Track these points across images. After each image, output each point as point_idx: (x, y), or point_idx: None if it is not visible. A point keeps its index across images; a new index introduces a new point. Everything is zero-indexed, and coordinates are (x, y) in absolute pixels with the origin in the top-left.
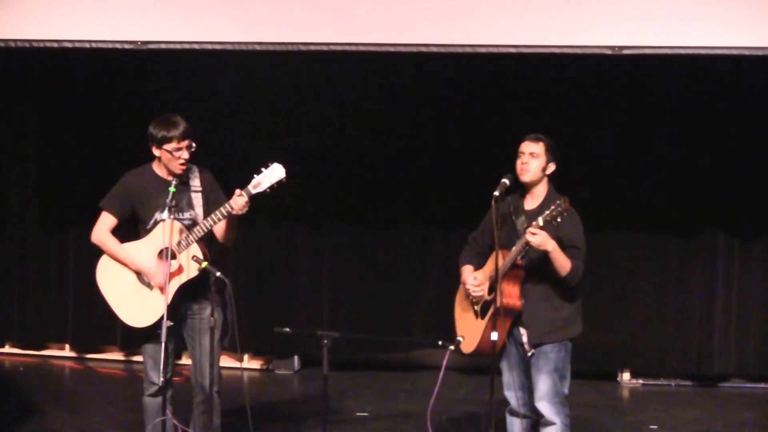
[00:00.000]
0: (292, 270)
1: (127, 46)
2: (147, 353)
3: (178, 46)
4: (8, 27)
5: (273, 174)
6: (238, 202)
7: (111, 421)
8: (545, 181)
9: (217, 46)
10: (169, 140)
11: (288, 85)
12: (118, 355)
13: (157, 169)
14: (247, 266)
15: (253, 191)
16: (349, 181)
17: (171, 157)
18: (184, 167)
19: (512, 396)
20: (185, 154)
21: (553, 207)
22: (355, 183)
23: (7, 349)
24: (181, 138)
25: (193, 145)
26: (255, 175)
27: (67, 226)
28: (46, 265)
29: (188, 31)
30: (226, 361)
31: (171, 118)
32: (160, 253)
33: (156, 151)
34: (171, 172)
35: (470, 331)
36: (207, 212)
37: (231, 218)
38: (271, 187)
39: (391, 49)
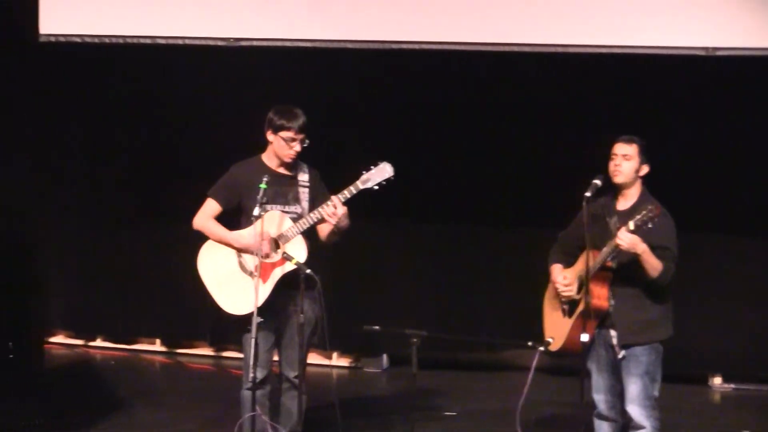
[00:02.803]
0: (382, 268)
1: (220, 43)
2: (247, 347)
3: (269, 44)
4: (97, 24)
5: (382, 172)
6: (328, 210)
7: (198, 416)
8: (638, 182)
9: (307, 44)
10: (287, 129)
11: (374, 82)
12: (207, 351)
13: (267, 160)
14: (338, 264)
15: (362, 186)
16: (441, 180)
17: (284, 145)
18: (293, 158)
19: (601, 399)
20: (298, 147)
21: (644, 212)
22: (446, 181)
23: (98, 342)
24: (299, 131)
25: (307, 141)
26: (363, 172)
27: (159, 221)
28: (138, 260)
29: (275, 28)
30: (315, 359)
31: (293, 109)
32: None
33: (270, 137)
34: (280, 162)
35: (557, 329)
36: (312, 208)
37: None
38: (379, 185)
39: (479, 47)
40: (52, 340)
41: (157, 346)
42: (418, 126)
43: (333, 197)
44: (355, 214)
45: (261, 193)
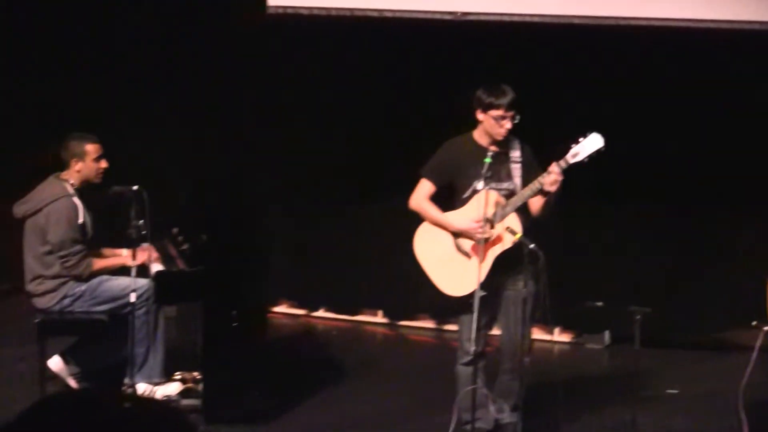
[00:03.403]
0: (604, 244)
1: (446, 17)
2: (462, 322)
3: (497, 18)
4: None
5: (591, 143)
6: (548, 178)
7: (419, 388)
8: None
9: (536, 19)
10: (496, 107)
11: (607, 62)
12: (429, 324)
13: (478, 137)
14: (561, 239)
15: (572, 161)
16: (661, 157)
17: (494, 123)
18: (505, 134)
19: None
20: (508, 124)
21: None
22: (666, 159)
23: (321, 313)
24: (508, 108)
25: (517, 117)
26: (573, 145)
27: (380, 196)
28: (363, 233)
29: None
30: (536, 334)
31: (501, 86)
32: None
33: (480, 116)
34: (492, 141)
35: None
36: (525, 184)
37: (545, 194)
38: (590, 157)
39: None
40: (276, 309)
41: (379, 317)
42: (628, 101)
43: (553, 165)
44: (576, 190)
45: (486, 167)
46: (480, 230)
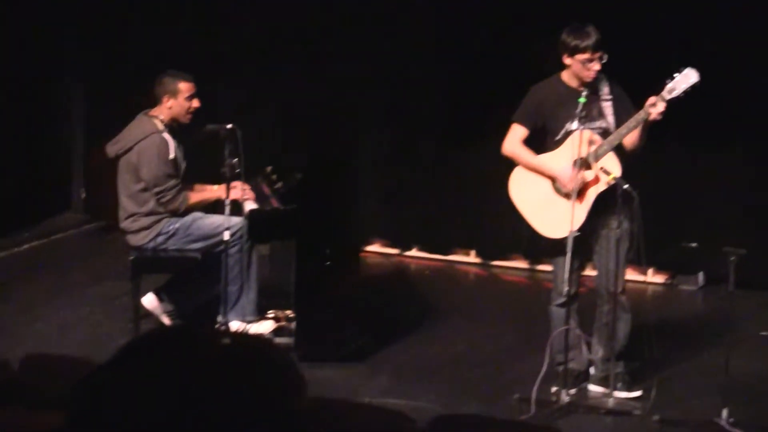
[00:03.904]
0: (696, 184)
1: None
2: (557, 264)
3: None
4: None
5: (686, 79)
6: (658, 108)
7: (512, 328)
8: None
9: None
10: (582, 50)
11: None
12: (522, 264)
13: (567, 79)
14: (654, 179)
15: (668, 96)
16: (751, 93)
17: (582, 67)
18: (594, 76)
19: None
20: (596, 66)
21: None
22: (756, 94)
23: (414, 252)
24: (594, 49)
25: (605, 56)
26: (668, 81)
27: (474, 136)
28: (456, 173)
29: None
30: (630, 275)
31: (585, 28)
32: (574, 163)
33: (567, 60)
34: (581, 83)
35: None
36: (618, 121)
37: (645, 125)
38: (685, 92)
39: None
40: (369, 248)
41: (472, 257)
42: (725, 37)
43: (657, 97)
44: (674, 129)
45: (580, 107)
46: (572, 181)
